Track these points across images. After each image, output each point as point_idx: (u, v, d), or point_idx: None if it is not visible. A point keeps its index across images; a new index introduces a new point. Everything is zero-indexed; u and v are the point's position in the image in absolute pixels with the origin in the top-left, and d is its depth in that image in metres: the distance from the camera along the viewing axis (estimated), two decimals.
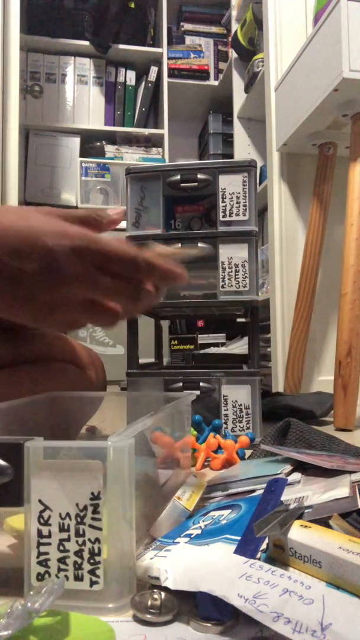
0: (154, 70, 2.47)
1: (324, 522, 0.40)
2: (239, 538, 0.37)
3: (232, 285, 0.91)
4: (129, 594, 0.33)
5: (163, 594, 0.33)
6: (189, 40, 2.66)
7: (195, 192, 0.94)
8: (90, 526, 0.32)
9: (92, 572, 0.32)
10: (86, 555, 0.32)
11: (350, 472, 0.48)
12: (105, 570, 0.32)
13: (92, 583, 0.32)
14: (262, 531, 0.35)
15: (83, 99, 2.43)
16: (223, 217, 0.92)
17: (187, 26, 2.68)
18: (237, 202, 0.92)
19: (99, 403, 0.67)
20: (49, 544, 0.33)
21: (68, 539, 0.32)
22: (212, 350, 2.14)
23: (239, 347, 2.05)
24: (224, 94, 2.47)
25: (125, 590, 0.33)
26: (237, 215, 0.92)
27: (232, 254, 0.92)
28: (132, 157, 2.41)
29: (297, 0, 1.62)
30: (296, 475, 0.52)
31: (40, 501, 0.33)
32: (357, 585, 0.31)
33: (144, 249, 0.44)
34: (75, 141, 2.38)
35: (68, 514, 0.32)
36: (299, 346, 1.45)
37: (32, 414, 0.57)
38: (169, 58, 2.51)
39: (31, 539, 0.33)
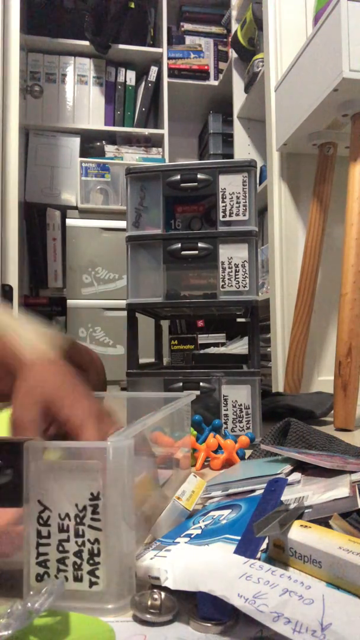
0: (154, 70, 2.47)
1: (324, 522, 0.40)
2: (239, 538, 0.37)
3: (232, 285, 0.91)
4: (128, 595, 0.33)
5: (163, 594, 0.32)
6: (189, 40, 2.65)
7: (195, 192, 0.94)
8: (90, 527, 0.32)
9: (91, 572, 0.32)
10: (85, 555, 0.32)
11: (350, 472, 0.48)
12: (105, 571, 0.32)
13: (91, 584, 0.32)
14: (262, 531, 0.35)
15: (83, 99, 2.43)
16: (223, 217, 0.92)
17: (187, 26, 2.68)
18: (237, 202, 0.92)
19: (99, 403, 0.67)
20: (48, 544, 0.33)
21: (67, 540, 0.32)
22: (212, 350, 2.14)
23: (239, 347, 2.05)
24: (224, 94, 2.47)
25: (125, 590, 0.33)
26: (237, 215, 0.92)
27: (232, 254, 0.92)
28: (132, 157, 2.41)
29: (297, 0, 1.62)
30: (296, 475, 0.52)
31: (39, 502, 0.33)
32: (357, 585, 0.31)
33: None
34: (75, 141, 2.38)
35: (67, 515, 0.32)
36: (299, 346, 1.45)
37: None
38: (169, 58, 2.50)
39: (30, 539, 0.33)
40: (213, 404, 0.91)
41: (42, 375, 0.44)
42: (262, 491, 0.45)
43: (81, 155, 2.36)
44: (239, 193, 0.92)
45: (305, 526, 0.36)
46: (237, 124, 2.28)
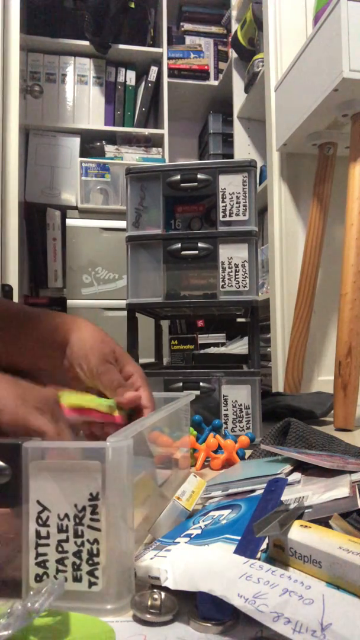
0: (154, 70, 2.47)
1: (324, 522, 0.40)
2: (239, 538, 0.37)
3: (232, 285, 0.91)
4: (128, 595, 0.33)
5: (163, 594, 0.32)
6: (189, 40, 2.65)
7: (195, 192, 0.94)
8: (89, 527, 0.32)
9: (90, 573, 0.32)
10: (85, 556, 0.32)
11: (350, 472, 0.48)
12: (104, 571, 0.32)
13: (90, 584, 0.32)
14: (262, 531, 0.35)
15: (83, 99, 2.43)
16: (223, 217, 0.92)
17: (187, 26, 2.68)
18: (237, 202, 0.92)
19: None
20: (47, 545, 0.32)
21: (66, 540, 0.32)
22: (212, 350, 2.13)
23: (239, 347, 2.05)
24: (224, 94, 2.47)
25: (124, 591, 0.33)
26: (237, 215, 0.92)
27: (232, 254, 0.92)
28: (132, 157, 2.41)
29: (297, 0, 1.62)
30: (296, 475, 0.52)
31: (38, 502, 0.33)
32: (357, 585, 0.31)
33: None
34: (75, 141, 2.38)
35: (66, 515, 0.32)
36: (299, 346, 1.45)
37: None
38: (169, 58, 2.50)
39: (29, 540, 0.33)
40: (213, 404, 0.90)
41: (98, 333, 0.52)
42: (262, 491, 0.45)
43: (81, 155, 2.35)
44: (239, 193, 0.92)
45: (305, 526, 0.36)
46: (237, 124, 2.28)
